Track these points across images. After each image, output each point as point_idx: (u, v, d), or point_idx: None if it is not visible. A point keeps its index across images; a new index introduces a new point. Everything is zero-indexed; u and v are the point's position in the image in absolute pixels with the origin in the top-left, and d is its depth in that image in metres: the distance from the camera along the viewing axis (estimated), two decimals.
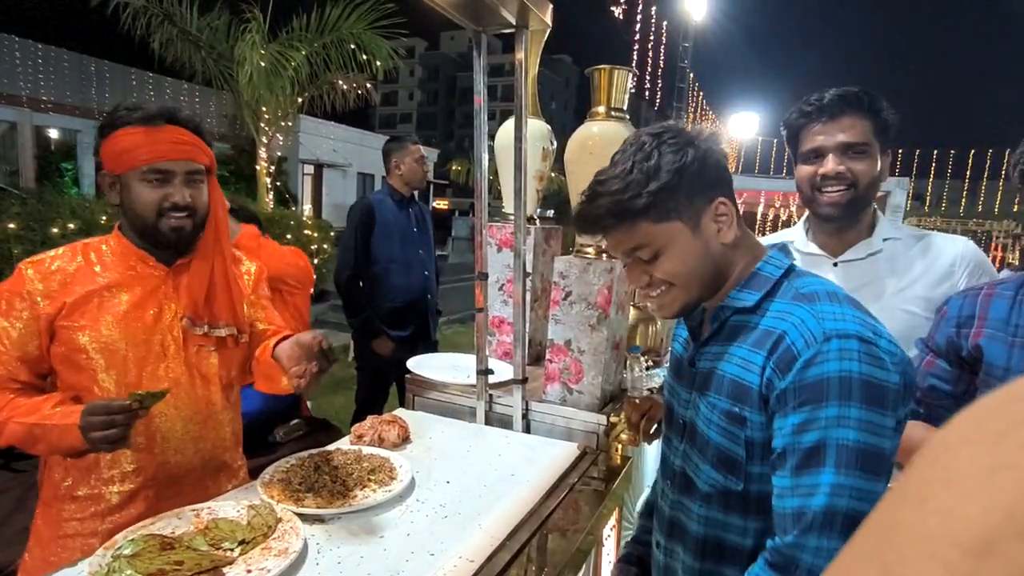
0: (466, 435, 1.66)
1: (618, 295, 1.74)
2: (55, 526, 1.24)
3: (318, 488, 1.23)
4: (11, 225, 4.86)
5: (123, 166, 1.20)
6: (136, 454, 1.24)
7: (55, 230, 5.04)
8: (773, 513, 0.89)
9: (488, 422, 1.81)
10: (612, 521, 1.66)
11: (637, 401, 1.42)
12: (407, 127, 62.78)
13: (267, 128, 8.46)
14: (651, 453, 2.16)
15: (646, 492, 2.10)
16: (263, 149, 8.59)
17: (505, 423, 1.79)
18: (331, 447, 1.46)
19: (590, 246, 1.80)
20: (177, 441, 1.28)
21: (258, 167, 8.75)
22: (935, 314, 1.28)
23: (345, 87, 8.78)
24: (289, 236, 7.34)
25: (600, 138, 1.80)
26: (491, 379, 1.79)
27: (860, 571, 0.22)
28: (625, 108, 1.86)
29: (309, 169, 17.56)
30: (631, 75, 1.86)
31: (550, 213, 2.26)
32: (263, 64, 7.78)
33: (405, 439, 1.56)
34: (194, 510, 1.13)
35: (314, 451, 1.40)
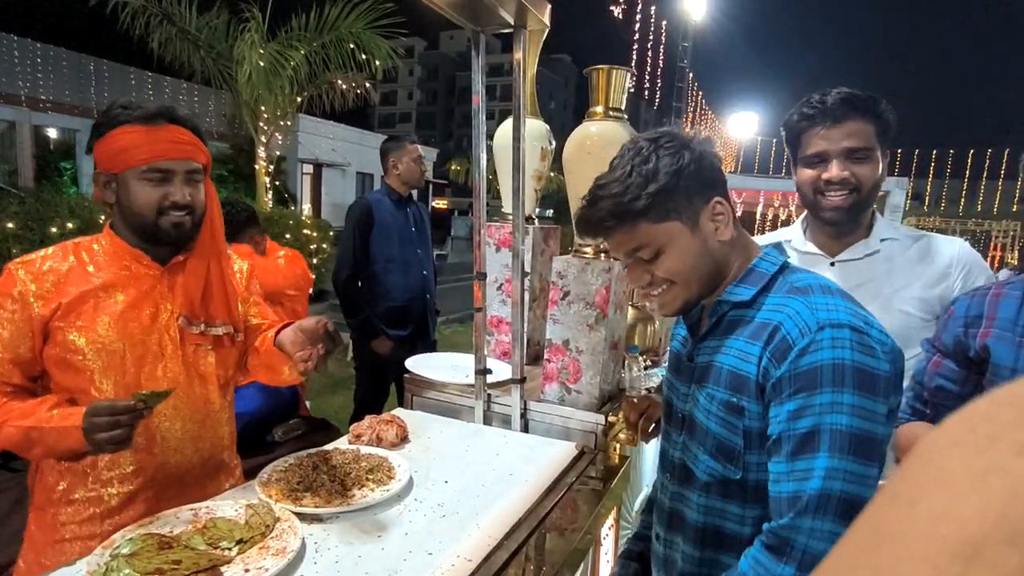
0: (464, 435, 1.66)
1: (616, 295, 1.74)
2: (51, 531, 1.22)
3: (316, 487, 1.23)
4: (10, 224, 4.86)
5: (121, 165, 1.19)
6: (135, 455, 1.23)
7: (54, 229, 5.04)
8: (769, 498, 0.92)
9: (486, 422, 1.81)
10: (610, 520, 1.66)
11: (635, 400, 1.42)
12: (406, 127, 62.75)
13: (266, 127, 8.45)
14: (649, 453, 2.16)
15: (645, 491, 2.10)
16: (262, 148, 8.58)
17: (503, 423, 1.79)
18: (329, 446, 1.46)
19: (588, 246, 1.80)
20: (176, 441, 1.28)
21: (257, 166, 8.74)
22: (942, 314, 1.27)
23: (344, 86, 8.78)
24: (288, 236, 7.34)
25: (598, 138, 1.80)
26: (489, 379, 1.79)
27: (850, 572, 0.22)
28: (623, 108, 1.86)
29: (308, 168, 17.55)
30: (629, 75, 1.86)
31: (549, 213, 2.28)
32: (262, 63, 7.78)
33: (403, 439, 1.56)
34: (192, 509, 1.13)
35: (312, 450, 1.40)
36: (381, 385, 3.19)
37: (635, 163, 0.98)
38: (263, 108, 8.20)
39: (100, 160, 1.21)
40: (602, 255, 1.78)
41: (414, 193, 3.24)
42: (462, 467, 1.44)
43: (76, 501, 1.22)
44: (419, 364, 1.98)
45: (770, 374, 0.92)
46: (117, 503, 1.23)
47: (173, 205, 1.21)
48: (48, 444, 1.11)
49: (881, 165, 1.36)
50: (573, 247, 1.85)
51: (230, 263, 1.41)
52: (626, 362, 1.88)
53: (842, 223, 1.40)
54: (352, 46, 8.02)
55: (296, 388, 2.48)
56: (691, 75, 19.13)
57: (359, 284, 3.02)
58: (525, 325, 1.84)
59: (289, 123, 9.13)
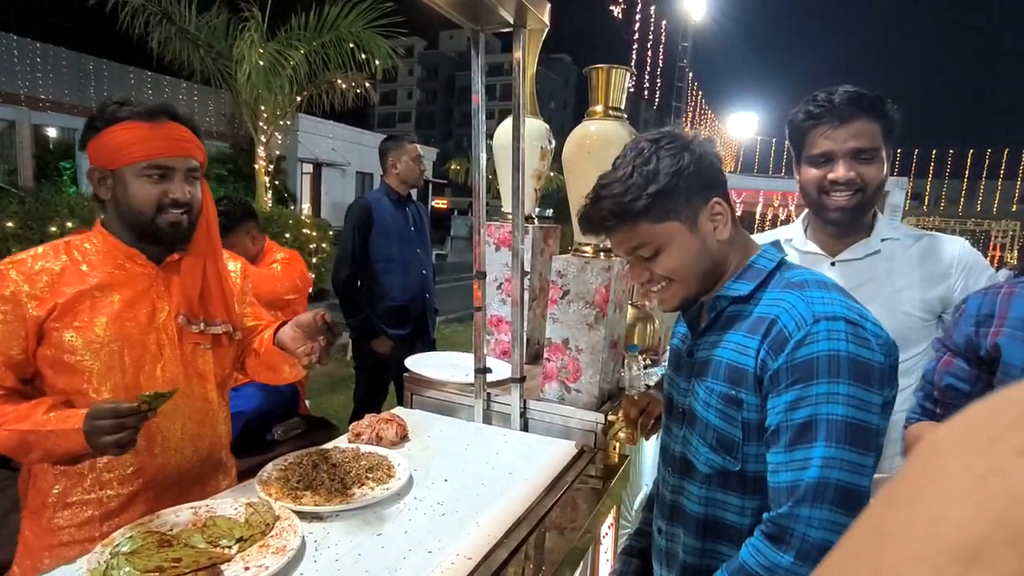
0: (464, 433, 1.66)
1: (616, 294, 1.74)
2: (47, 535, 1.20)
3: (316, 486, 1.23)
4: (9, 224, 4.86)
5: (119, 161, 1.17)
6: (135, 456, 1.21)
7: (53, 229, 5.04)
8: (768, 488, 0.94)
9: (486, 420, 1.81)
10: (610, 519, 1.67)
11: (636, 397, 1.43)
12: (406, 126, 62.76)
13: (266, 127, 8.45)
14: (649, 452, 2.16)
15: (644, 490, 2.11)
16: (262, 148, 8.58)
17: (503, 421, 1.79)
18: (329, 445, 1.46)
19: (588, 245, 1.80)
20: (177, 441, 1.27)
21: (257, 166, 8.74)
22: (953, 312, 1.26)
23: (344, 86, 8.77)
24: (288, 235, 7.34)
25: (598, 137, 1.80)
26: (489, 378, 1.79)
27: (850, 572, 0.22)
28: (623, 107, 1.86)
29: (308, 168, 17.54)
30: (629, 74, 1.86)
31: (549, 212, 2.28)
32: (262, 63, 7.77)
33: (403, 437, 1.57)
34: (192, 508, 1.13)
35: (312, 449, 1.41)
36: (380, 384, 3.20)
37: (636, 164, 1.00)
38: (263, 107, 8.20)
39: (96, 156, 1.20)
40: (601, 254, 1.78)
41: (413, 193, 3.24)
42: (462, 466, 1.44)
43: (73, 504, 1.20)
44: (419, 363, 1.98)
45: (768, 366, 0.94)
46: (116, 505, 1.22)
47: (173, 203, 1.20)
48: (46, 447, 1.09)
49: (886, 165, 1.35)
50: (573, 246, 1.85)
51: (224, 262, 1.41)
52: (625, 361, 1.88)
53: (845, 223, 1.40)
54: (352, 45, 8.01)
55: (296, 387, 2.48)
56: (691, 75, 19.13)
57: (359, 283, 3.02)
58: (525, 324, 1.85)
59: (289, 123, 9.12)
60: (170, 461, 1.27)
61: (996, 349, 1.12)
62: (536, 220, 2.23)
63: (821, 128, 1.34)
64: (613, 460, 1.63)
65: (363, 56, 8.13)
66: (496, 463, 1.47)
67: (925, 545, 0.19)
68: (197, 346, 1.30)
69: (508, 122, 1.91)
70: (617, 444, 1.71)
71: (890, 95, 1.33)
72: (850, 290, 1.02)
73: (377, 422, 1.55)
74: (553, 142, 2.19)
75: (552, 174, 9.15)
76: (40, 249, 1.20)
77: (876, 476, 0.95)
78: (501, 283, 2.10)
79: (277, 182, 12.07)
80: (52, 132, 12.25)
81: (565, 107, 65.48)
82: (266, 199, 8.63)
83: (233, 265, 1.45)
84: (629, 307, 2.05)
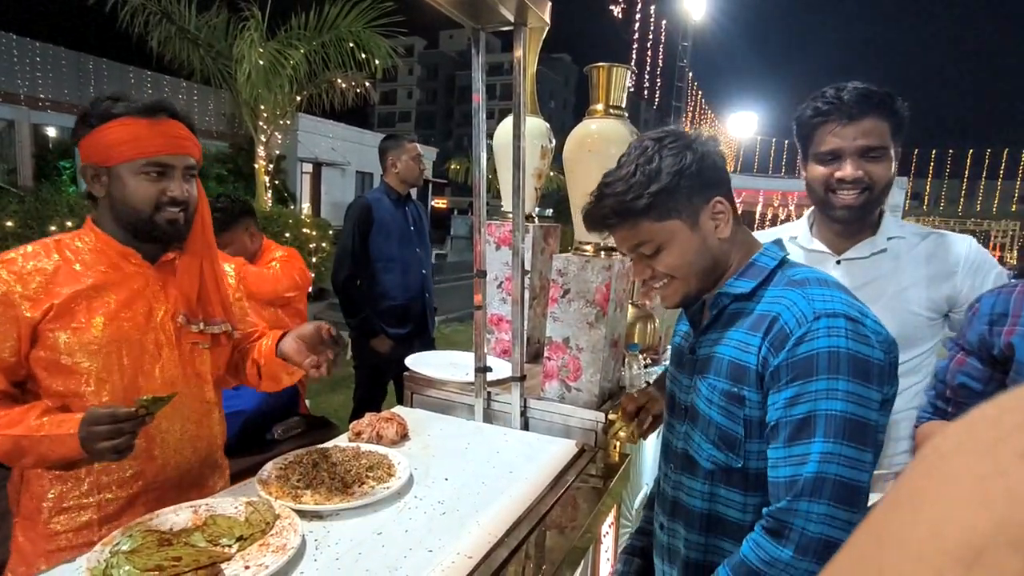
0: (464, 432, 1.66)
1: (616, 292, 1.74)
2: (42, 541, 1.18)
3: (316, 485, 1.23)
4: (9, 223, 4.86)
5: (115, 158, 1.15)
6: (135, 458, 1.19)
7: (53, 228, 5.04)
8: (768, 483, 0.95)
9: (486, 419, 1.81)
10: (610, 518, 1.66)
11: (635, 395, 1.44)
12: (406, 126, 62.76)
13: (265, 126, 8.45)
14: (649, 451, 2.16)
15: (645, 489, 2.11)
16: (261, 147, 8.58)
17: (503, 420, 1.79)
18: (329, 444, 1.46)
19: (588, 244, 1.80)
20: (176, 442, 1.26)
21: (256, 165, 8.74)
22: (967, 311, 1.25)
23: (344, 85, 8.78)
24: (287, 235, 7.34)
25: (599, 136, 1.80)
26: (490, 377, 1.79)
27: (854, 575, 0.22)
28: (624, 106, 1.86)
29: (307, 168, 17.54)
30: (630, 73, 1.86)
31: (549, 212, 2.27)
32: (262, 62, 7.77)
33: (403, 436, 1.56)
34: (192, 506, 1.12)
35: (312, 448, 1.40)
36: (380, 384, 3.20)
37: (639, 162, 1.01)
38: (263, 107, 8.20)
39: (89, 153, 1.17)
40: (602, 253, 1.78)
41: (413, 192, 3.24)
42: (462, 465, 1.44)
43: (70, 508, 1.18)
44: (419, 362, 1.98)
45: (769, 363, 0.95)
46: (115, 508, 1.20)
47: (171, 201, 1.18)
48: (40, 453, 1.06)
49: (894, 164, 1.34)
50: (573, 245, 1.85)
51: (220, 261, 1.40)
52: (626, 360, 1.88)
53: (852, 221, 1.38)
54: (352, 45, 8.02)
55: (296, 386, 2.47)
56: (691, 74, 19.13)
57: (358, 283, 3.02)
58: (525, 323, 1.84)
59: (288, 122, 9.13)
60: (170, 462, 1.26)
61: (1009, 348, 1.12)
62: (536, 219, 2.23)
63: (829, 125, 1.32)
64: (614, 459, 1.63)
65: (363, 55, 8.14)
66: (496, 462, 1.47)
67: (928, 547, 0.19)
68: (195, 346, 1.29)
69: (509, 121, 1.91)
70: (618, 443, 1.71)
71: None
72: (855, 288, 1.02)
73: (377, 421, 1.55)
74: (553, 141, 2.19)
75: (552, 174, 9.15)
76: (30, 248, 1.16)
77: (876, 473, 0.95)
78: (501, 282, 2.10)
79: (277, 182, 12.07)
80: (51, 131, 12.24)
81: (565, 106, 65.50)
82: (266, 199, 8.63)
83: (228, 268, 1.44)
84: (629, 306, 2.05)
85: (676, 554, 1.12)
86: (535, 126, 2.07)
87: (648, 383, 1.85)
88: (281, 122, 8.64)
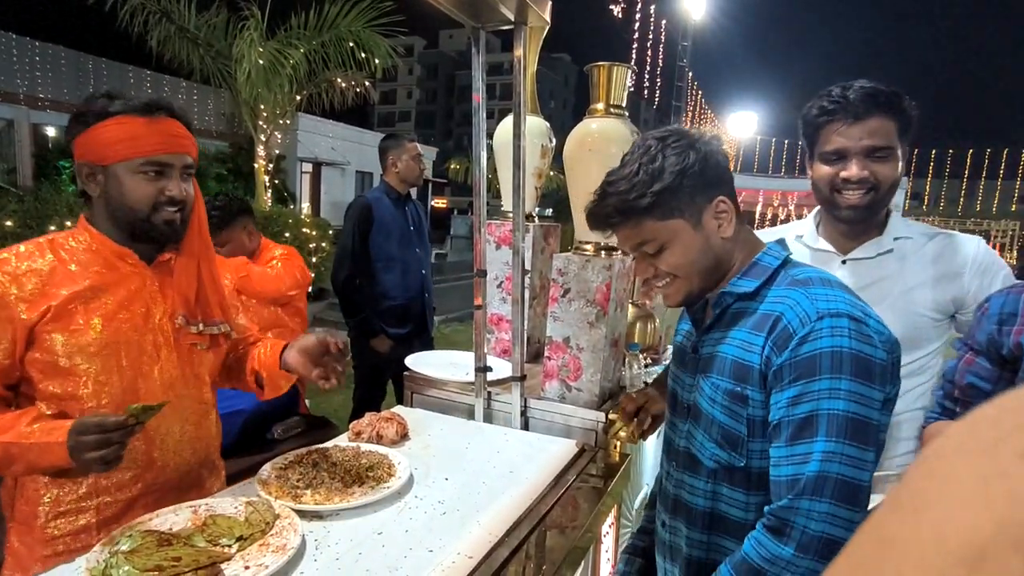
0: (465, 432, 1.65)
1: (617, 292, 1.74)
2: (39, 547, 1.16)
3: (316, 485, 1.23)
4: (8, 223, 4.86)
5: (112, 157, 1.13)
6: (134, 461, 1.18)
7: (52, 228, 5.03)
8: (770, 481, 0.95)
9: (487, 419, 1.80)
10: (610, 518, 1.66)
11: (634, 394, 1.44)
12: (406, 125, 62.74)
13: (265, 126, 8.44)
14: (649, 451, 2.16)
15: (645, 489, 2.10)
16: (261, 147, 8.57)
17: (504, 420, 1.79)
18: (329, 444, 1.46)
19: (589, 243, 1.79)
20: (175, 444, 1.25)
21: (256, 165, 8.73)
22: (976, 311, 1.24)
23: (344, 85, 8.77)
24: (287, 235, 7.34)
25: (599, 135, 1.80)
26: (490, 376, 1.79)
27: None
28: (624, 105, 1.85)
29: (307, 167, 17.53)
30: (630, 72, 1.86)
31: (549, 212, 2.27)
32: (261, 62, 7.76)
33: (403, 436, 1.56)
34: (191, 506, 1.12)
35: (312, 448, 1.40)
36: (380, 383, 3.20)
37: (643, 161, 1.01)
38: (262, 107, 8.19)
39: (84, 151, 1.14)
40: (602, 252, 1.77)
41: (413, 192, 3.24)
42: (462, 464, 1.44)
43: (67, 512, 1.16)
44: (419, 362, 1.98)
45: (772, 362, 0.95)
46: (114, 512, 1.19)
47: (169, 200, 1.17)
48: (29, 460, 1.04)
49: (901, 163, 1.32)
50: (573, 244, 1.85)
51: (216, 261, 1.39)
52: (626, 360, 1.88)
53: (857, 221, 1.37)
54: (351, 44, 8.01)
55: (296, 386, 2.48)
56: (691, 74, 19.13)
57: (358, 282, 3.02)
58: (525, 323, 1.84)
59: (288, 122, 9.12)
60: (169, 464, 1.25)
61: (1019, 348, 1.12)
62: (536, 219, 2.23)
63: (835, 124, 1.31)
64: (614, 459, 1.62)
65: (363, 55, 8.13)
66: (497, 462, 1.47)
67: (930, 549, 0.19)
68: (194, 347, 1.28)
69: (509, 120, 1.91)
70: (618, 443, 1.71)
71: None
72: (861, 289, 1.02)
73: (377, 421, 1.55)
74: (553, 140, 2.19)
75: (552, 173, 9.14)
76: (23, 248, 1.14)
77: (878, 474, 0.95)
78: (501, 281, 2.10)
79: (277, 181, 12.06)
80: (51, 131, 12.22)
81: (565, 106, 65.51)
82: (266, 198, 8.63)
83: (223, 273, 1.42)
84: (630, 305, 2.04)
85: (678, 552, 1.13)
86: (535, 125, 2.06)
87: (647, 383, 1.85)
88: (281, 122, 8.63)
